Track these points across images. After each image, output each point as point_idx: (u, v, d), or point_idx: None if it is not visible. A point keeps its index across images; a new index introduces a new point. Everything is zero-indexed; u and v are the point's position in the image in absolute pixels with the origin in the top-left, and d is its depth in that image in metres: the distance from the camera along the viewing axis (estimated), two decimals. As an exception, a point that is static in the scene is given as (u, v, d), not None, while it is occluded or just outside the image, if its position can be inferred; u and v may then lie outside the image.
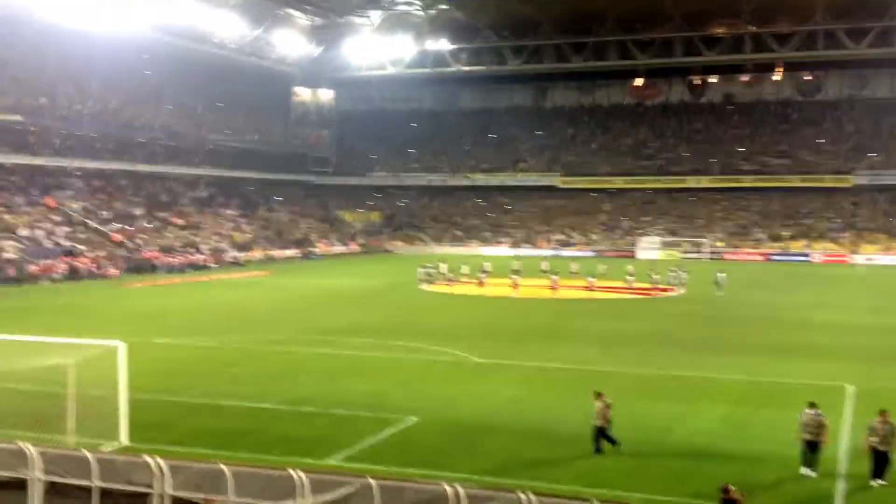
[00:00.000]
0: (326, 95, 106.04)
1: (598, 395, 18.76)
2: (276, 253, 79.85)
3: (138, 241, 67.93)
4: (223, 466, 13.48)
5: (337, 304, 46.13)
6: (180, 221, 76.01)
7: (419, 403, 22.48)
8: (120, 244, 66.11)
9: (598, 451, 18.23)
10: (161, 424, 20.17)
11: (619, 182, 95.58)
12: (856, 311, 43.51)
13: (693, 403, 22.94)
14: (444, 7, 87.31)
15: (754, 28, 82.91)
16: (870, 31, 79.35)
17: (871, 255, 78.36)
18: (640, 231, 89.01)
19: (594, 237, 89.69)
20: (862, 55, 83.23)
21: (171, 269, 64.30)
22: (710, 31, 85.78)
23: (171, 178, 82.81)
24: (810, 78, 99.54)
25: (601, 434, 18.35)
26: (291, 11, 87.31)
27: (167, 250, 68.20)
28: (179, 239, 72.10)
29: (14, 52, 70.90)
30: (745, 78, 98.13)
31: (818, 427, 16.62)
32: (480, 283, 50.99)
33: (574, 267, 60.60)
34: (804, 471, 16.56)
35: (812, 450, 16.61)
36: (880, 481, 15.99)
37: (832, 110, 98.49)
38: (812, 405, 17.08)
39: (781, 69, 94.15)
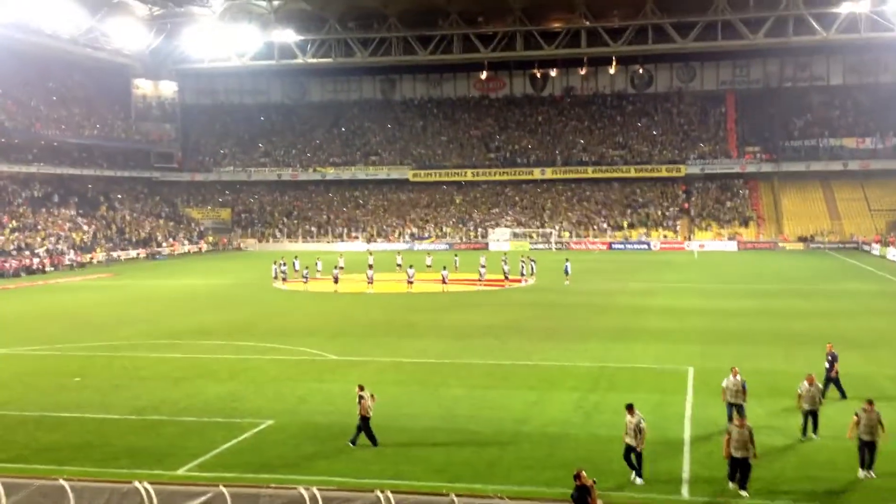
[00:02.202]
0: (169, 88, 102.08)
1: (361, 388, 19.03)
2: (120, 254, 76.52)
3: (-35, 245, 63.59)
4: (63, 482, 12.83)
5: (185, 305, 44.70)
6: (13, 223, 71.57)
7: (274, 405, 22.10)
8: (-56, 249, 61.68)
9: (353, 443, 18.60)
10: (-4, 442, 19.03)
11: (468, 174, 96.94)
12: (691, 295, 45.86)
13: (546, 392, 23.56)
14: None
15: (589, 23, 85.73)
16: (695, 26, 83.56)
17: (704, 241, 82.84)
18: (491, 223, 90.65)
19: (447, 229, 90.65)
20: (688, 48, 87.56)
21: (2, 274, 60.51)
22: (548, 25, 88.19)
23: (2, 177, 77.83)
24: (642, 71, 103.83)
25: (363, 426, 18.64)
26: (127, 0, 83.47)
27: (0, 253, 64.20)
28: (13, 242, 67.87)
29: None
30: (582, 71, 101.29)
31: (636, 431, 16.07)
32: (335, 280, 50.55)
33: (428, 261, 61.09)
34: (635, 479, 16.11)
35: (631, 454, 16.21)
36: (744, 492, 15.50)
37: (663, 102, 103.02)
38: (630, 408, 16.54)
39: (615, 62, 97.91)
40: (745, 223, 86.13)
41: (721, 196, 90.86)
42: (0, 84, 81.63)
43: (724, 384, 19.59)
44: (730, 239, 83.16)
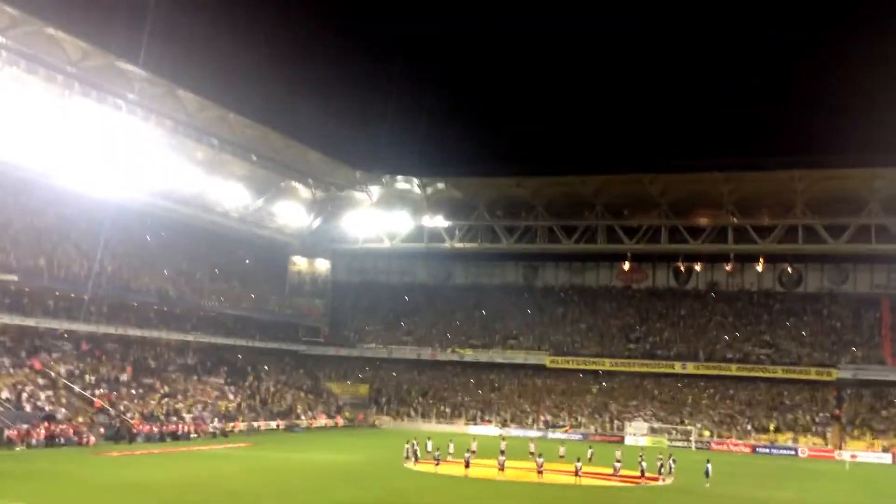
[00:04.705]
0: (323, 266, 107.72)
1: None
2: (260, 424, 78.71)
3: (121, 407, 67.06)
4: None
5: (318, 480, 45.30)
6: (165, 388, 75.22)
7: None
8: (101, 410, 65.19)
9: None
10: None
11: (606, 364, 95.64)
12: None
13: None
14: (441, 186, 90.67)
15: (736, 220, 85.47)
16: (847, 228, 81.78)
17: (857, 451, 77.05)
18: (628, 415, 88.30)
19: (582, 419, 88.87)
20: (840, 250, 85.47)
21: (150, 438, 63.18)
22: (695, 220, 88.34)
23: (160, 344, 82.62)
24: (791, 270, 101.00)
25: None
26: (294, 184, 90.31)
27: (150, 418, 67.27)
28: (163, 406, 71.11)
29: (18, 212, 72.92)
30: (728, 267, 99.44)
31: None
32: (466, 464, 50.22)
33: (561, 450, 59.88)
34: None
35: None
36: None
37: (814, 303, 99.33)
38: None
39: (763, 260, 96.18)
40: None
41: (875, 404, 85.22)
42: (170, 256, 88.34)
43: None
44: (884, 451, 77.25)
